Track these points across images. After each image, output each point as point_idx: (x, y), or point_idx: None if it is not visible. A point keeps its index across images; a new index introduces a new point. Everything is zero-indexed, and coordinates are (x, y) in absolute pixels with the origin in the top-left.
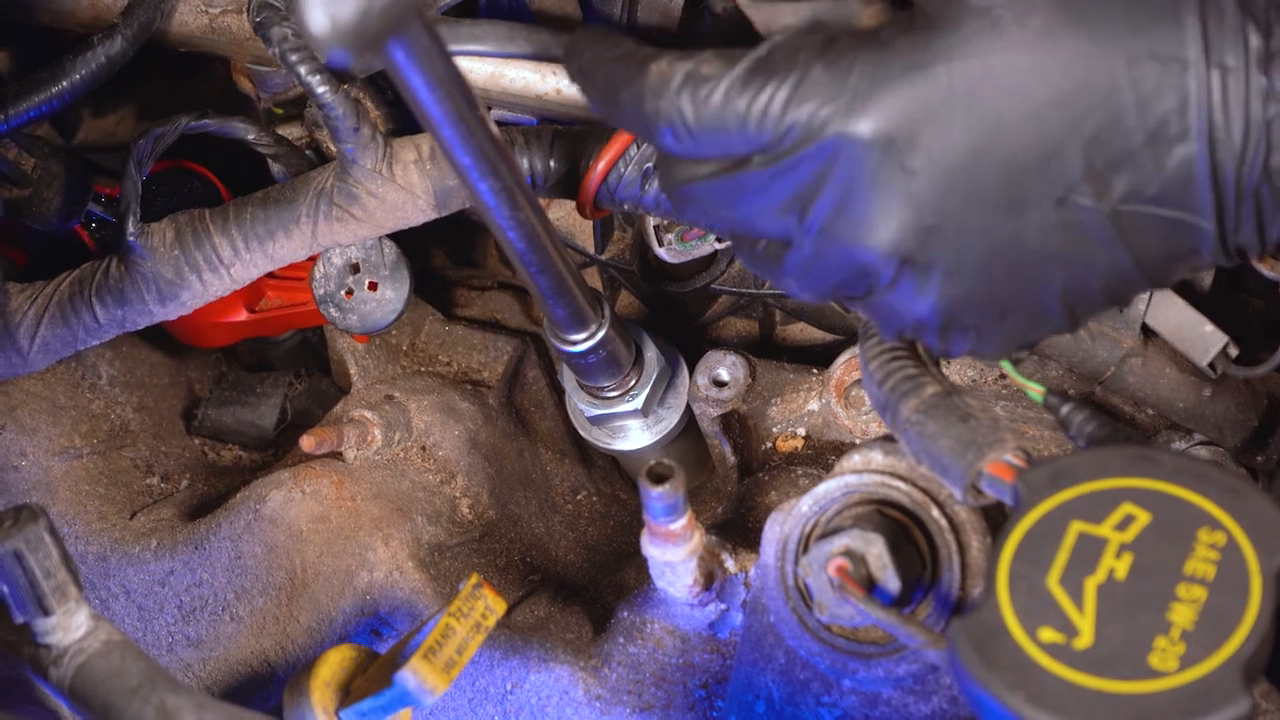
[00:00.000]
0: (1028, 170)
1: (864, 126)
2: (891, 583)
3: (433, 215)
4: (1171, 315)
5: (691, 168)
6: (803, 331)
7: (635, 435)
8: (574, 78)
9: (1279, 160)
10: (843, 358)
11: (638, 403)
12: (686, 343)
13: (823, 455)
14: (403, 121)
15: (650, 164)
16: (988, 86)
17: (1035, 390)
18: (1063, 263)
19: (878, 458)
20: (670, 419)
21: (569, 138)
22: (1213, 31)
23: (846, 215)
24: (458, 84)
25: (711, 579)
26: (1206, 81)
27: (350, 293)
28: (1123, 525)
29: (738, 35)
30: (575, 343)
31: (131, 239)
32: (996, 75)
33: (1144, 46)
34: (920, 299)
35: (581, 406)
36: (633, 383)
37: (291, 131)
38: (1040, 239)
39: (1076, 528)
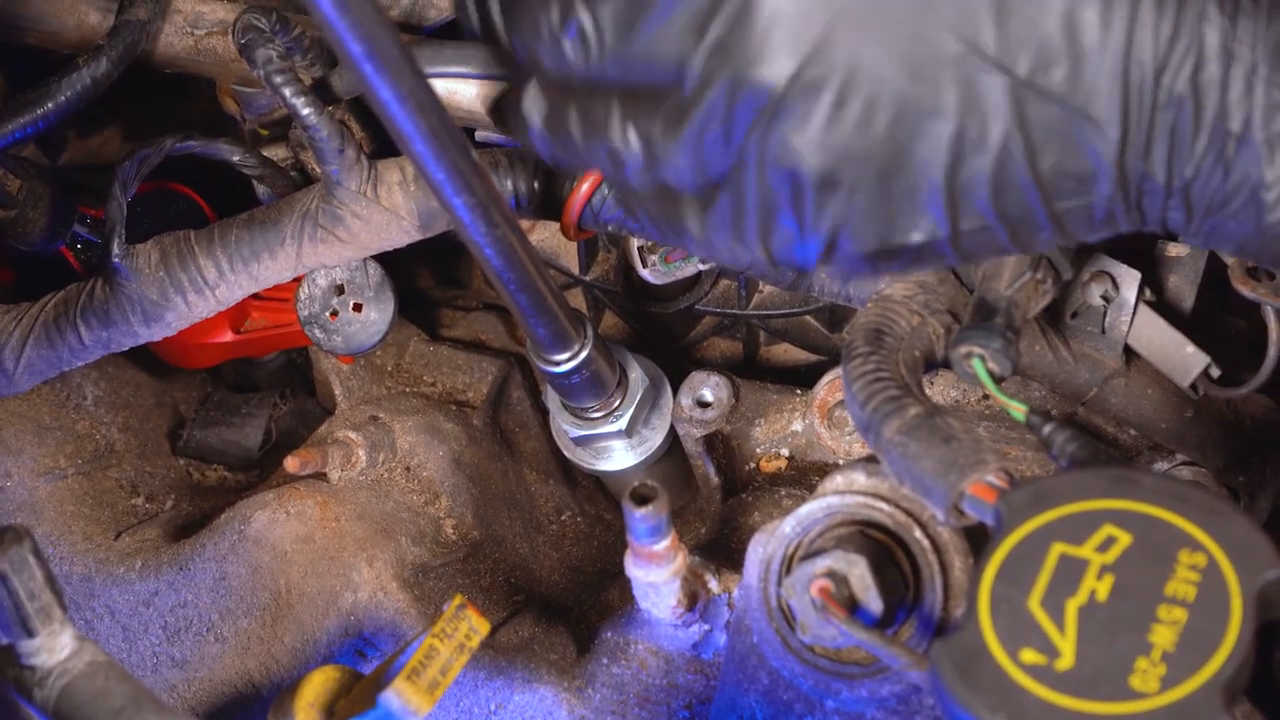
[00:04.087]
0: (937, 5)
1: None
2: (874, 604)
3: (417, 236)
4: (1154, 336)
5: None
6: (786, 352)
7: (619, 456)
8: None
9: (1209, 75)
10: (826, 378)
11: (622, 423)
12: (670, 363)
13: (806, 476)
14: (387, 142)
15: None
16: None
17: (1018, 410)
18: (954, 121)
19: (860, 479)
20: (654, 440)
21: None
22: None
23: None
24: (429, 99)
25: (695, 600)
26: None
27: (335, 314)
28: (1104, 547)
29: None
30: (558, 363)
31: (116, 260)
32: None
33: None
34: (807, 127)
35: (565, 427)
36: (617, 403)
37: (277, 153)
38: (934, 89)
39: (1058, 549)
